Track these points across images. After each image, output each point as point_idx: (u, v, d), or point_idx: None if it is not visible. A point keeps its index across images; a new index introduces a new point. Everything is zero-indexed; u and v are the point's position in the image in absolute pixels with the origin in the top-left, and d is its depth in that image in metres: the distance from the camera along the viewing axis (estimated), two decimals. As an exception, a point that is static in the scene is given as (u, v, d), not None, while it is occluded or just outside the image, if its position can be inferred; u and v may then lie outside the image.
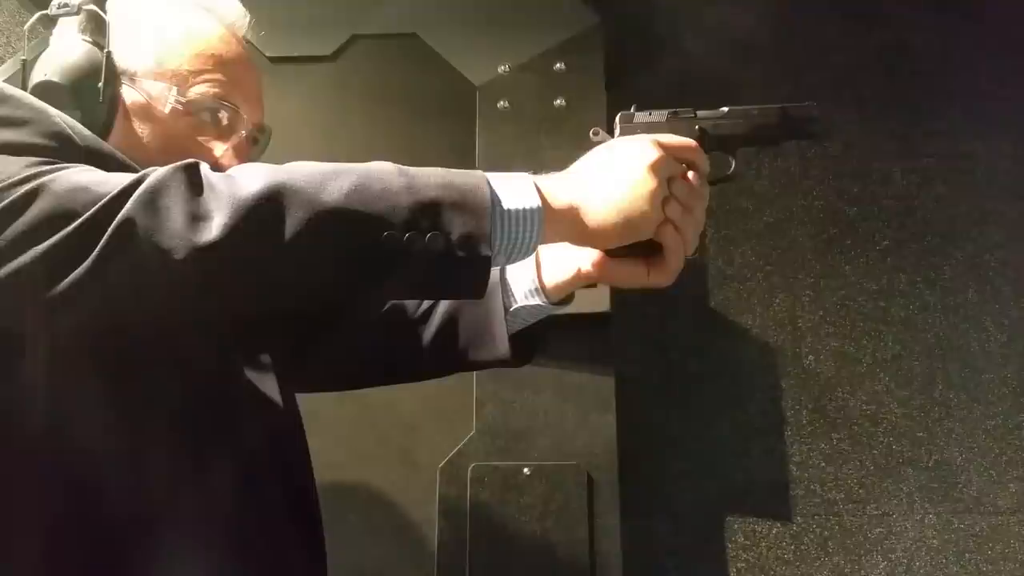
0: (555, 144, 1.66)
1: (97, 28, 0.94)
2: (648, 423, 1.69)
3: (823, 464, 1.69)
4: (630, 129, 0.92)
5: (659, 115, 0.93)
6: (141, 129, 0.94)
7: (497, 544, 1.53)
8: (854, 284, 1.77)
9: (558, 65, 1.71)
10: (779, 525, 1.66)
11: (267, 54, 1.77)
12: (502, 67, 1.72)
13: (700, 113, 0.93)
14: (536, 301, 1.00)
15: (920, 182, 1.81)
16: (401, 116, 1.75)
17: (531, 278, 0.99)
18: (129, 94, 0.94)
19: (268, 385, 0.94)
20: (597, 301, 1.58)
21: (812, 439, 1.70)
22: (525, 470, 1.56)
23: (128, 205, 0.69)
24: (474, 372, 1.60)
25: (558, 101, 1.69)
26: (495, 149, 1.67)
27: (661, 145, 0.85)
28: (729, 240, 1.79)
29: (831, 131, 1.82)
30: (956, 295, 1.75)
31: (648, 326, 1.74)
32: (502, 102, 1.70)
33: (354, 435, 1.62)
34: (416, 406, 1.62)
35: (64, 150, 0.78)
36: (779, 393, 1.72)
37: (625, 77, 1.77)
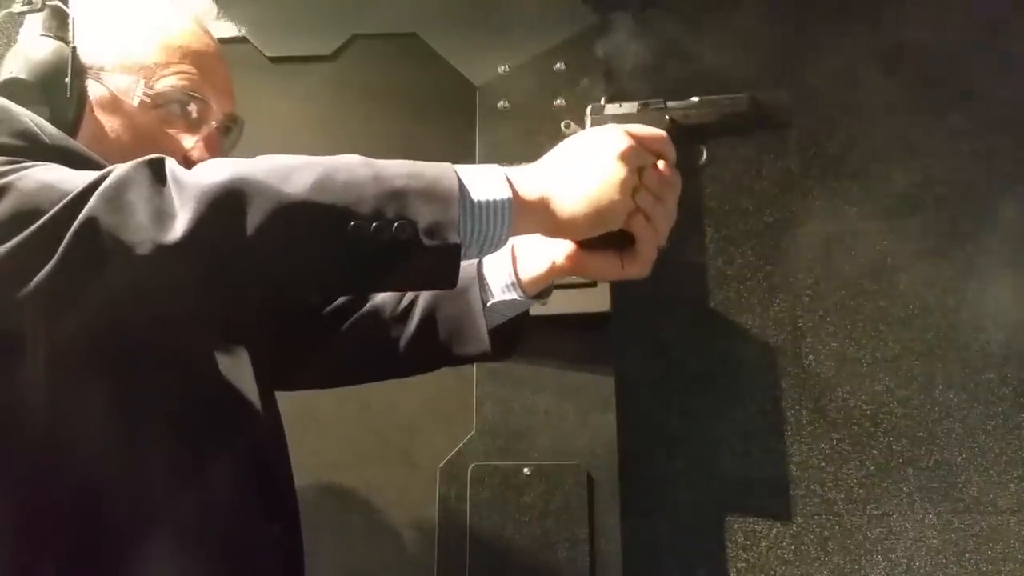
0: (555, 144, 1.65)
1: (62, 24, 0.94)
2: (648, 423, 1.69)
3: (823, 464, 1.69)
4: (601, 120, 0.92)
5: (630, 106, 0.93)
6: (110, 124, 0.93)
7: (497, 544, 1.53)
8: (854, 284, 1.77)
9: (558, 65, 1.71)
10: (779, 525, 1.66)
11: (267, 54, 1.77)
12: (502, 67, 1.72)
13: (670, 103, 0.94)
14: (513, 296, 1.00)
15: (920, 182, 1.81)
16: (401, 116, 1.75)
17: (507, 272, 0.99)
18: (96, 89, 0.94)
19: (247, 385, 0.94)
20: (597, 301, 1.58)
21: (812, 439, 1.70)
22: (525, 470, 1.56)
23: (91, 202, 0.69)
24: (474, 372, 1.61)
25: (558, 101, 1.69)
26: (495, 149, 1.67)
27: (631, 135, 0.85)
28: (729, 240, 1.79)
29: (830, 130, 1.82)
30: (956, 295, 1.75)
31: (648, 326, 1.74)
32: (502, 102, 1.71)
33: (354, 435, 1.62)
34: (416, 406, 1.62)
35: (32, 149, 0.78)
36: (779, 393, 1.72)
37: (625, 77, 1.77)
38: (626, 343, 1.70)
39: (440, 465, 1.58)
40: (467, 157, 1.66)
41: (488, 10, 1.76)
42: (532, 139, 1.68)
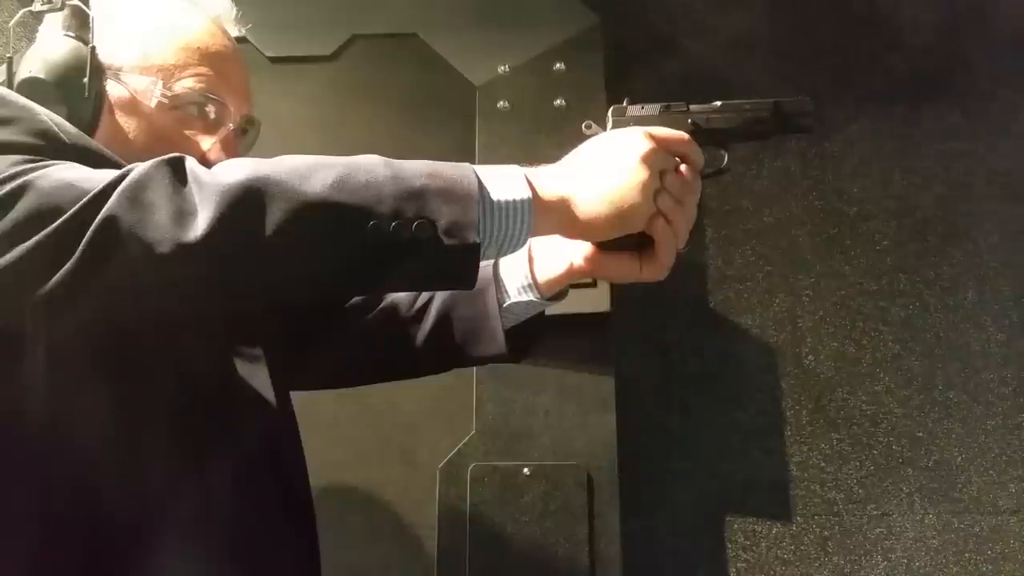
0: (555, 144, 1.64)
1: (82, 23, 0.93)
2: (648, 423, 1.69)
3: (823, 464, 1.69)
4: (623, 122, 0.92)
5: (652, 108, 0.93)
6: (127, 124, 0.93)
7: (497, 544, 1.53)
8: (854, 284, 1.77)
9: (558, 65, 1.71)
10: (779, 525, 1.66)
11: (267, 54, 1.77)
12: (502, 67, 1.72)
13: (693, 107, 0.93)
14: (529, 297, 0.99)
15: (920, 182, 1.81)
16: (401, 116, 1.75)
17: (524, 273, 0.99)
18: (115, 89, 0.93)
19: (263, 384, 0.93)
20: (597, 301, 1.58)
21: (812, 439, 1.70)
22: (525, 470, 1.56)
23: (111, 201, 0.69)
24: (474, 372, 1.61)
25: (558, 101, 1.69)
26: (495, 149, 1.67)
27: (653, 137, 0.85)
28: (729, 240, 1.79)
29: (830, 130, 1.82)
30: (956, 295, 1.75)
31: (648, 326, 1.74)
32: (502, 102, 1.71)
33: (354, 435, 1.62)
34: (416, 406, 1.62)
35: (50, 148, 0.78)
36: (779, 393, 1.72)
37: (625, 77, 1.77)
38: (626, 343, 1.70)
39: (440, 465, 1.58)
40: (467, 157, 1.65)
41: (488, 10, 1.76)
42: (532, 139, 1.68)
